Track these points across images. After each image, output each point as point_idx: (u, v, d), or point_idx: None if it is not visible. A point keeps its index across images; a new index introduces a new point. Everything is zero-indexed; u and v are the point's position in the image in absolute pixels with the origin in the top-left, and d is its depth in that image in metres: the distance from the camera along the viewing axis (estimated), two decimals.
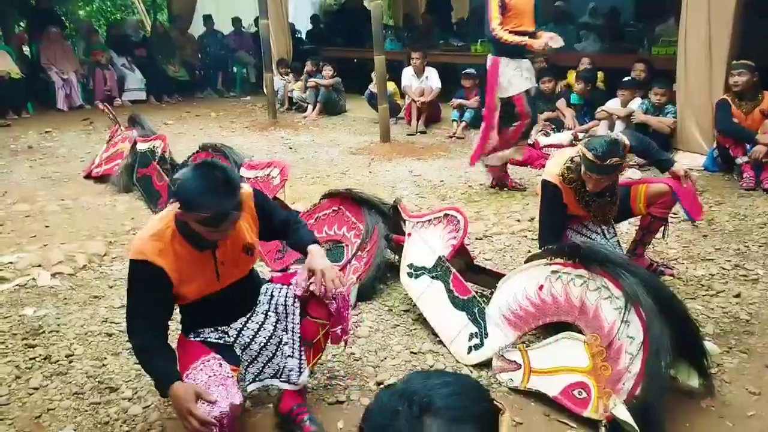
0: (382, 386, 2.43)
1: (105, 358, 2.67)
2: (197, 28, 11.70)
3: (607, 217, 3.04)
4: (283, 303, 2.18)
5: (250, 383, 2.19)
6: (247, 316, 2.17)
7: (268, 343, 2.17)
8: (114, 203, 4.91)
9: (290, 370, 2.16)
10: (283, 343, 2.17)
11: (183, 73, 10.55)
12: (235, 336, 2.15)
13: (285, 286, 2.21)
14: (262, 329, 2.17)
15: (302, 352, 2.17)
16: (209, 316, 2.12)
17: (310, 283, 2.11)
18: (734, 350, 2.65)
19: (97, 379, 2.51)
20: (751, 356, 2.60)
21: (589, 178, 2.80)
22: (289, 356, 2.16)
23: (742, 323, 2.86)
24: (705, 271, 3.40)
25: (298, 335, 2.16)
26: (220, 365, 2.01)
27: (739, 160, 4.91)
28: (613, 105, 5.99)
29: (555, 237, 2.86)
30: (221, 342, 2.12)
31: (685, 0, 5.35)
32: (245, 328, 2.16)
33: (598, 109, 6.08)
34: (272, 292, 2.22)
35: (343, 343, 2.33)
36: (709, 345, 2.44)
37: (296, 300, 2.17)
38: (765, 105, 4.90)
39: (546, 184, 2.95)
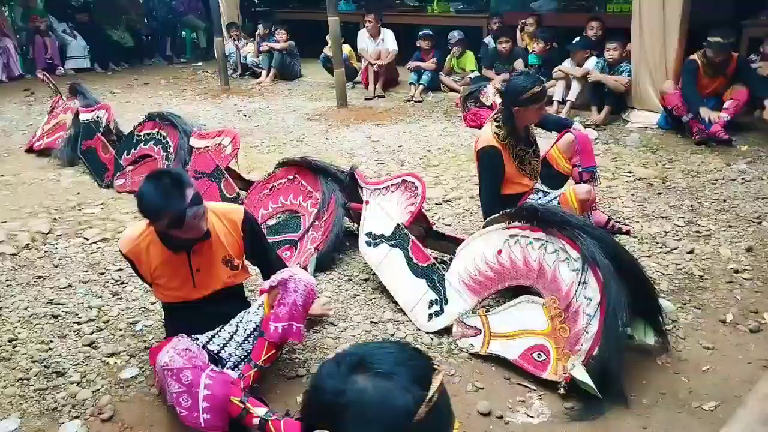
0: None
1: (51, 342, 2.55)
2: None
3: (535, 169, 3.12)
4: (254, 311, 2.26)
5: None
6: (220, 327, 2.22)
7: (235, 352, 2.23)
8: (58, 178, 4.68)
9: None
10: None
11: (128, 39, 10.07)
12: (205, 342, 2.19)
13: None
14: (231, 340, 2.22)
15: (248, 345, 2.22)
16: (186, 323, 2.18)
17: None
18: (688, 306, 2.69)
19: (42, 364, 2.39)
20: (705, 311, 2.66)
21: (531, 114, 2.95)
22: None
23: (696, 279, 2.91)
24: (659, 228, 3.44)
25: (251, 331, 2.23)
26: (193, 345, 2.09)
27: (685, 118, 4.95)
28: (569, 65, 5.97)
29: (497, 205, 2.83)
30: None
31: None
32: (216, 337, 2.21)
33: (555, 69, 6.06)
34: (250, 309, 2.29)
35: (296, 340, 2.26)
36: (665, 302, 2.47)
37: (261, 306, 2.23)
38: (730, 69, 4.85)
39: (485, 151, 2.94)
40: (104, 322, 2.70)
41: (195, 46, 11.03)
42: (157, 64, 10.41)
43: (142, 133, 4.46)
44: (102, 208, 4.05)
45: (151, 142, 4.37)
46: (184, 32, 10.93)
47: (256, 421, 1.95)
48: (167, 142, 4.28)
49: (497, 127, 2.95)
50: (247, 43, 9.03)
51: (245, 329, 2.22)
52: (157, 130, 4.38)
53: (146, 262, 2.09)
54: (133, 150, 4.45)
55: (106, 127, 4.69)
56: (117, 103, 6.66)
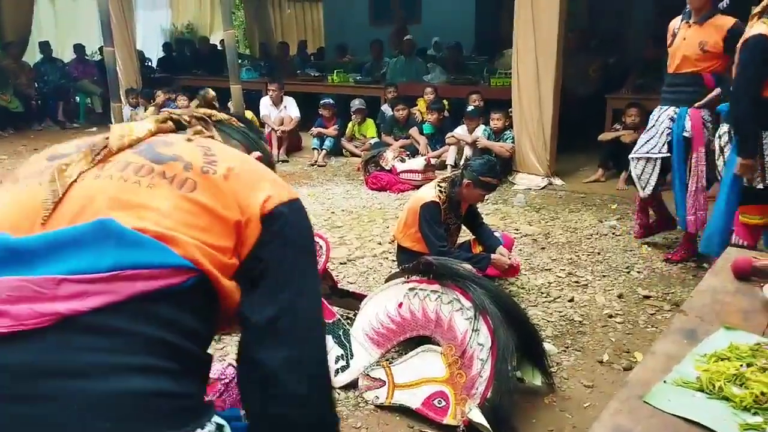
0: None
1: None
2: (34, 56, 10.80)
3: (453, 243, 3.54)
4: None
5: None
6: None
7: None
8: None
9: None
10: None
11: (16, 104, 9.65)
12: None
13: None
14: None
15: None
16: None
17: None
18: (570, 349, 2.97)
19: None
20: (584, 353, 2.94)
21: (474, 195, 3.35)
22: None
23: (576, 324, 3.22)
24: (544, 279, 3.77)
25: None
26: None
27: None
28: (461, 131, 6.46)
29: (445, 244, 3.28)
30: None
31: (515, 36, 5.96)
32: None
33: (448, 135, 6.52)
34: None
35: None
36: (548, 346, 2.72)
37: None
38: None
39: (428, 205, 3.31)
40: None
41: (89, 110, 10.75)
42: (48, 129, 10.01)
43: None
44: None
45: None
46: (78, 97, 10.64)
47: None
48: None
49: (440, 191, 3.34)
50: (145, 109, 8.95)
51: None
52: None
53: None
54: None
55: None
56: (3, 170, 6.35)
